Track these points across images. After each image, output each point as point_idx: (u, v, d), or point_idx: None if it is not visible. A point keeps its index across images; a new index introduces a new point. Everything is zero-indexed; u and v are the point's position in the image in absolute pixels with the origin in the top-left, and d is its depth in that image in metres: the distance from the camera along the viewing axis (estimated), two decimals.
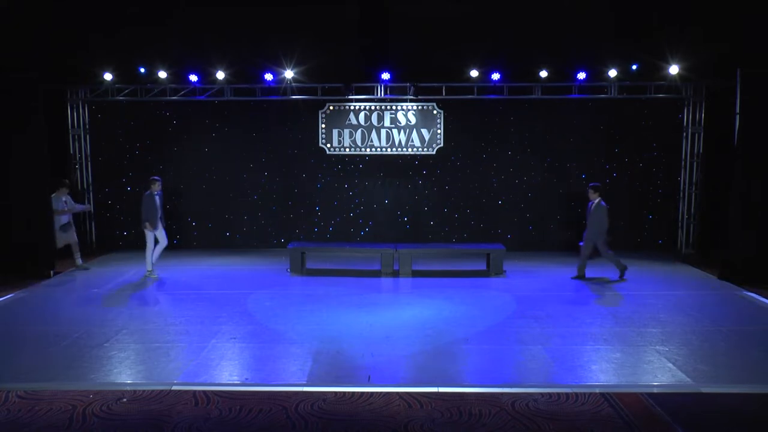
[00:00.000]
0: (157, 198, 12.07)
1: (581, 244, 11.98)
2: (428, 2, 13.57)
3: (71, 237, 12.67)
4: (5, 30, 12.16)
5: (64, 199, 12.58)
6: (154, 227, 11.98)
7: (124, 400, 6.34)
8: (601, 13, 13.40)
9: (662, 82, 13.89)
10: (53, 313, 9.67)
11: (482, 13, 13.32)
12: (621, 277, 11.86)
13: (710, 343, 8.14)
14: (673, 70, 13.36)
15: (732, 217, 11.77)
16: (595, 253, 11.90)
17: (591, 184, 12.05)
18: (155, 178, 12.23)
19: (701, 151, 14.39)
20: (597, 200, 11.78)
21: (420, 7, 13.43)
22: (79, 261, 12.85)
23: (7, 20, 12.20)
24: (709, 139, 14.25)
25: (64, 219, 12.57)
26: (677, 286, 11.41)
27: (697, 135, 14.45)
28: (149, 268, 12.07)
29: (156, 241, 12.16)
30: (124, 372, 7.23)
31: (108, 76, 13.97)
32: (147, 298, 10.58)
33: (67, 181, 12.86)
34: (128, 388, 6.66)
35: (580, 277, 11.97)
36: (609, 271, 12.11)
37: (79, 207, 13.24)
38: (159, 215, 12.08)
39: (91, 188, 14.94)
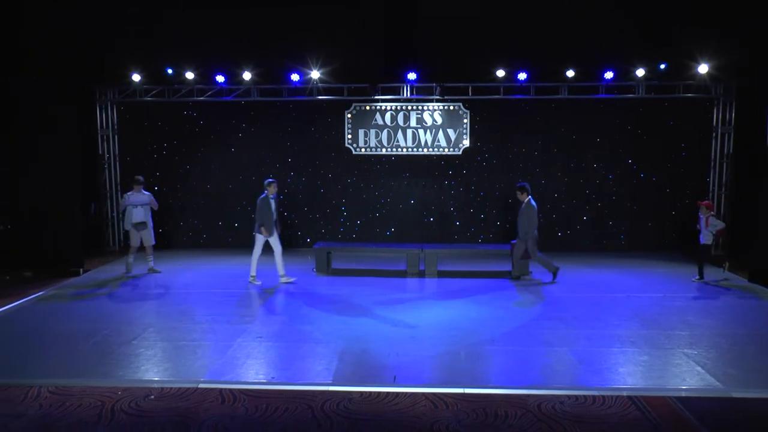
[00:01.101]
0: (272, 202, 11.43)
1: (513, 242, 11.95)
2: (454, 2, 13.54)
3: (147, 237, 12.19)
4: (35, 32, 12.34)
5: (139, 196, 12.17)
6: (270, 233, 11.39)
7: (152, 397, 6.40)
8: (628, 12, 13.28)
9: (691, 82, 13.74)
10: (82, 310, 9.80)
11: (508, 13, 13.27)
12: (554, 278, 11.69)
13: (740, 346, 8.01)
14: (703, 69, 13.20)
15: (762, 219, 11.59)
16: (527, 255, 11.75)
17: (518, 185, 11.94)
18: (270, 180, 11.55)
19: (731, 151, 14.19)
20: (526, 200, 11.65)
21: (446, 7, 13.42)
22: (151, 263, 12.45)
23: (36, 22, 12.37)
24: (739, 140, 14.05)
25: (138, 216, 12.10)
26: (705, 288, 11.25)
27: (726, 135, 14.27)
28: (253, 273, 11.65)
29: (267, 247, 11.59)
30: (152, 369, 7.29)
31: (136, 77, 14.16)
32: (174, 297, 10.66)
33: (140, 177, 12.37)
34: (155, 385, 6.72)
35: (516, 277, 11.91)
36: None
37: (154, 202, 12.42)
38: (274, 220, 11.47)
39: (119, 187, 15.12)
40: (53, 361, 7.54)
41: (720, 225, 11.49)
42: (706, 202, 11.77)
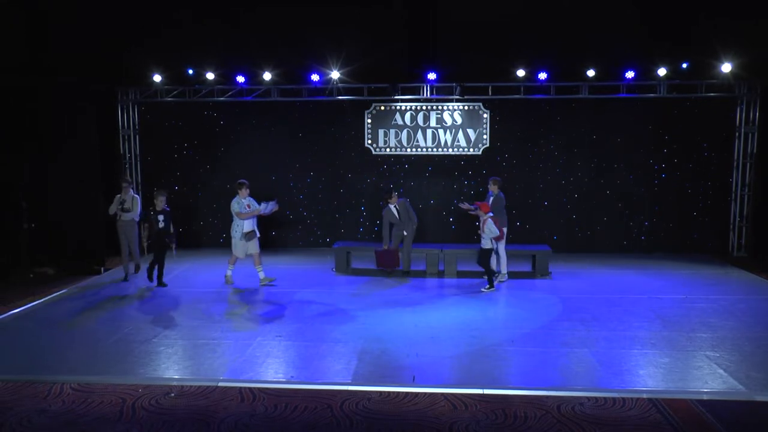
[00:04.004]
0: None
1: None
2: (475, 2, 13.50)
3: (254, 247, 11.37)
4: (57, 34, 12.49)
5: (246, 201, 11.27)
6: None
7: (172, 394, 6.46)
8: (650, 11, 13.15)
9: (714, 81, 13.59)
10: (103, 308, 9.90)
11: (529, 13, 13.20)
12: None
13: (764, 349, 7.91)
14: (726, 68, 13.04)
15: None
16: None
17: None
18: (495, 179, 11.81)
19: (755, 151, 14.03)
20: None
21: (466, 7, 13.38)
22: (262, 274, 11.55)
23: (58, 24, 12.52)
24: (764, 140, 13.88)
25: (248, 225, 11.26)
26: (728, 290, 11.12)
27: (750, 135, 14.10)
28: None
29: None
30: (172, 367, 7.36)
31: (157, 78, 14.26)
32: (193, 296, 10.73)
33: (245, 181, 11.40)
34: (176, 383, 6.79)
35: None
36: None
37: (264, 207, 11.40)
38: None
39: (140, 187, 15.24)
40: (76, 358, 7.63)
41: (495, 233, 10.88)
42: (484, 203, 11.29)
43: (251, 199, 11.36)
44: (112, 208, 11.62)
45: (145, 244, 11.40)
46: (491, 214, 11.01)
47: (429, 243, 13.90)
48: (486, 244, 10.98)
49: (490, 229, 10.88)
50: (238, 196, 11.24)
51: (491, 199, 11.67)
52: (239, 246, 11.30)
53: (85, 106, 12.84)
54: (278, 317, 9.39)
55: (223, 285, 11.48)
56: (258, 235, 11.48)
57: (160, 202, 11.05)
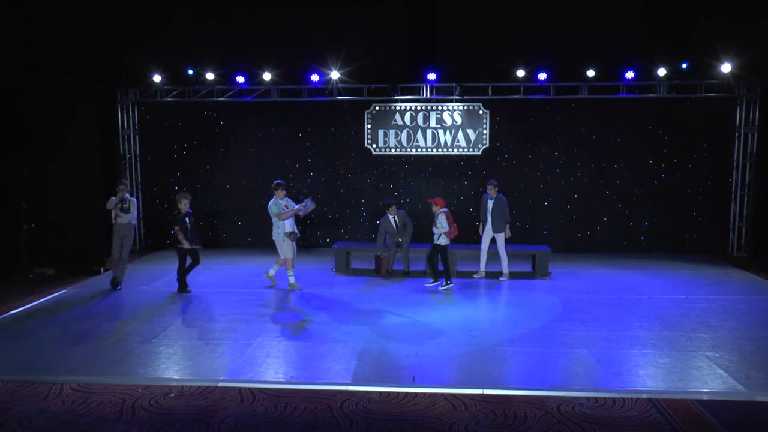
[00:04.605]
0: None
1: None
2: (475, 2, 13.50)
3: (291, 249, 11.13)
4: (57, 34, 12.49)
5: (283, 202, 11.00)
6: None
7: (172, 395, 6.45)
8: (649, 10, 13.16)
9: (713, 81, 13.60)
10: (103, 309, 9.89)
11: (529, 13, 13.20)
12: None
13: (764, 349, 7.91)
14: (726, 68, 13.04)
15: None
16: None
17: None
18: (493, 182, 11.99)
19: (755, 151, 14.04)
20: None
21: (466, 7, 13.38)
22: (292, 278, 11.22)
23: (58, 24, 12.52)
24: (763, 140, 13.88)
25: (288, 226, 11.00)
26: (728, 290, 11.13)
27: (750, 135, 14.10)
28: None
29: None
30: (172, 368, 7.36)
31: (157, 78, 14.27)
32: (193, 296, 10.73)
33: (281, 182, 11.14)
34: (176, 383, 6.78)
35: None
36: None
37: (301, 206, 11.13)
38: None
39: (140, 187, 15.25)
40: (75, 358, 7.62)
41: (445, 228, 11.00)
42: (439, 198, 11.41)
43: (288, 199, 11.12)
44: (111, 204, 10.84)
45: (186, 247, 10.70)
46: (445, 209, 11.14)
47: (429, 243, 13.86)
48: (438, 239, 11.10)
49: (441, 224, 10.99)
50: (275, 198, 10.97)
51: (490, 203, 11.73)
52: (285, 247, 11.02)
53: (85, 106, 12.86)
54: (278, 317, 9.39)
55: (224, 285, 11.48)
56: (299, 235, 11.28)
57: (185, 205, 10.75)
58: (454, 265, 11.93)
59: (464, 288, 11.37)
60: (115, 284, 11.05)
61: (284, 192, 11.05)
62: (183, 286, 10.87)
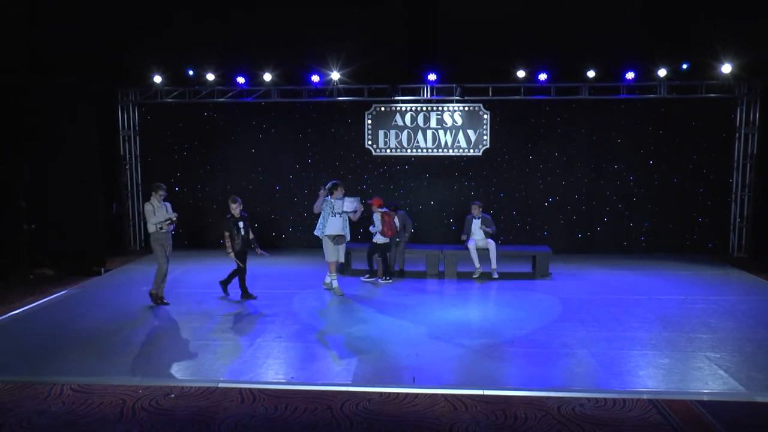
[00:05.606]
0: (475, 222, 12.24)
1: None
2: (475, 2, 13.50)
3: (342, 254, 10.83)
4: (57, 34, 12.48)
5: (341, 203, 10.61)
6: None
7: (172, 395, 6.45)
8: (649, 10, 13.16)
9: (714, 82, 13.60)
10: (103, 309, 9.89)
11: (529, 13, 13.20)
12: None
13: (764, 350, 7.90)
14: (726, 68, 13.04)
15: None
16: None
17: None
18: (477, 203, 12.35)
19: (755, 151, 14.03)
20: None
21: (466, 7, 13.38)
22: (335, 283, 10.87)
23: (58, 24, 12.51)
24: (764, 141, 13.88)
25: (336, 227, 10.59)
26: (728, 290, 11.12)
27: (750, 135, 14.10)
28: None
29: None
30: (172, 368, 7.34)
31: (157, 79, 14.27)
32: (193, 296, 10.72)
33: (324, 185, 10.74)
34: (176, 384, 6.78)
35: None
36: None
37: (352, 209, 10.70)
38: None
39: (140, 188, 15.24)
40: (75, 359, 7.61)
41: (378, 227, 11.67)
42: (376, 198, 11.96)
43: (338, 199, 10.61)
44: (160, 217, 9.81)
45: (232, 256, 10.23)
46: (384, 209, 11.68)
47: (429, 244, 13.89)
48: (375, 238, 11.74)
49: (376, 222, 11.66)
50: (330, 197, 10.53)
51: (476, 222, 12.18)
52: (330, 248, 10.65)
53: (85, 107, 12.84)
54: (278, 318, 9.38)
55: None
56: (348, 238, 10.93)
57: (235, 210, 10.25)
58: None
59: (464, 288, 11.37)
60: (161, 299, 10.11)
61: (342, 191, 10.58)
62: (245, 293, 10.49)
